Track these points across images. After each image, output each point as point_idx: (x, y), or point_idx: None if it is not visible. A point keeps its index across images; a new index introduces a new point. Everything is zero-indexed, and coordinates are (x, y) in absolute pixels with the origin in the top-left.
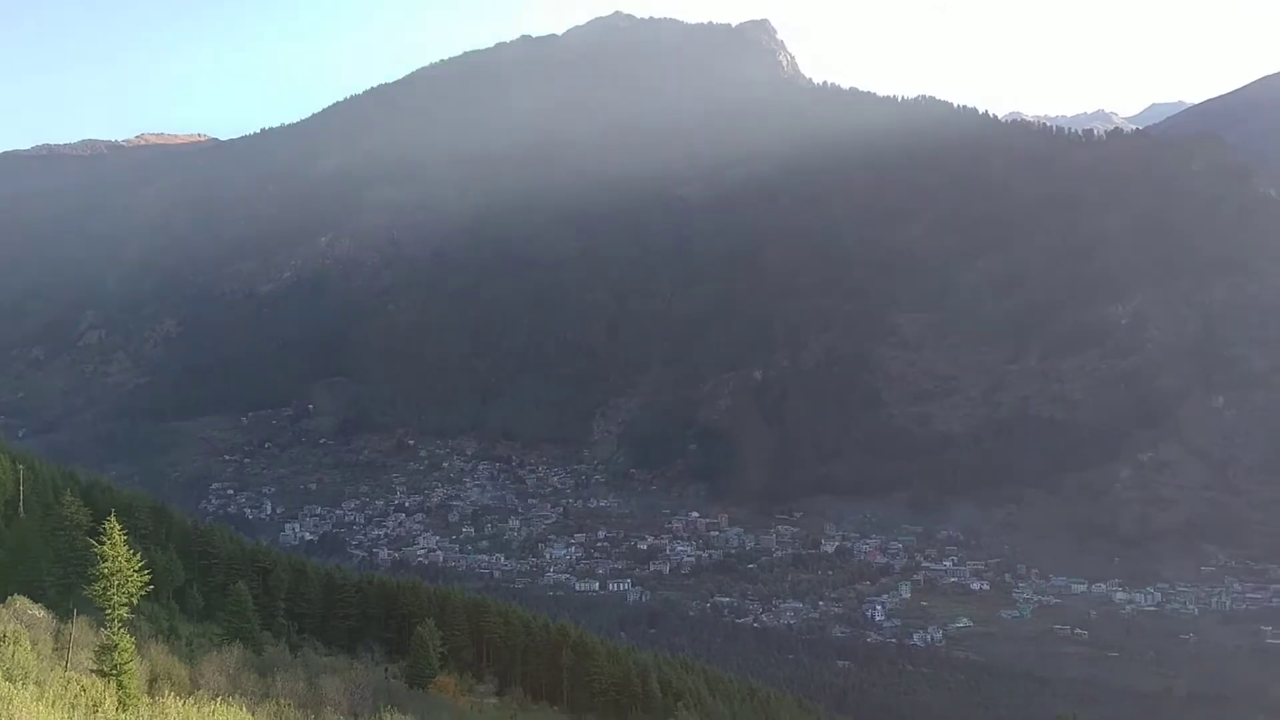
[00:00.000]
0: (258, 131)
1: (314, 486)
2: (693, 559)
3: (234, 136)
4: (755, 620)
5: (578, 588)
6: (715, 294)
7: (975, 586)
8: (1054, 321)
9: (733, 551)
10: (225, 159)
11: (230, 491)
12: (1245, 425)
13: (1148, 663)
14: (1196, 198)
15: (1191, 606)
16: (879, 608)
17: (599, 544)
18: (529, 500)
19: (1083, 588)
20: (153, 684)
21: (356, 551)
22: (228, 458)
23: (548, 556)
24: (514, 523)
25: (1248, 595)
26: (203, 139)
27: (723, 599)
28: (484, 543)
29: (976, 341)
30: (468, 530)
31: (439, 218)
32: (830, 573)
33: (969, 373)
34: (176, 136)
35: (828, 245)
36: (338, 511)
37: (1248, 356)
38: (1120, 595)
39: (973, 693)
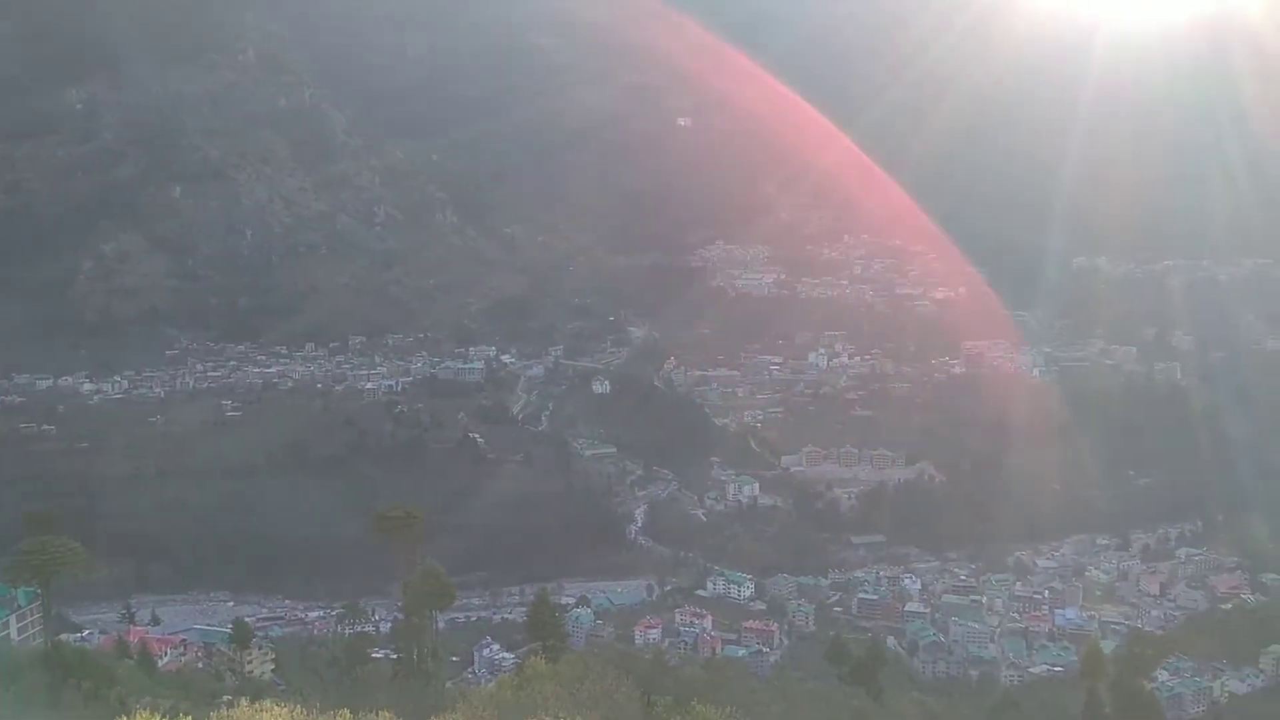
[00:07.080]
0: None
1: None
2: None
3: None
4: None
5: None
6: None
7: None
8: (6, 106)
9: None
10: None
11: None
12: (202, 215)
13: (120, 448)
14: None
15: (158, 390)
16: None
17: None
18: None
19: (48, 382)
20: None
21: None
22: None
23: None
24: None
25: (209, 374)
26: None
27: None
28: None
29: None
30: None
31: None
32: None
33: None
34: None
35: None
36: None
37: (202, 146)
38: (88, 386)
39: None
